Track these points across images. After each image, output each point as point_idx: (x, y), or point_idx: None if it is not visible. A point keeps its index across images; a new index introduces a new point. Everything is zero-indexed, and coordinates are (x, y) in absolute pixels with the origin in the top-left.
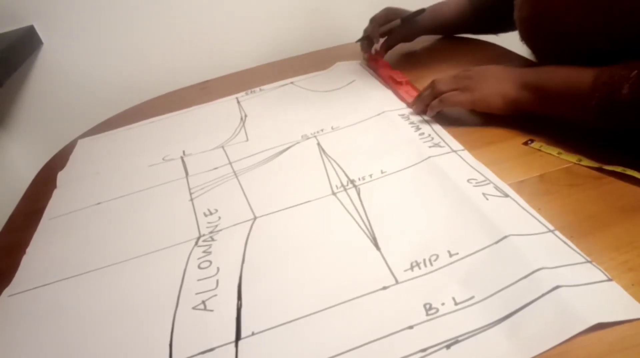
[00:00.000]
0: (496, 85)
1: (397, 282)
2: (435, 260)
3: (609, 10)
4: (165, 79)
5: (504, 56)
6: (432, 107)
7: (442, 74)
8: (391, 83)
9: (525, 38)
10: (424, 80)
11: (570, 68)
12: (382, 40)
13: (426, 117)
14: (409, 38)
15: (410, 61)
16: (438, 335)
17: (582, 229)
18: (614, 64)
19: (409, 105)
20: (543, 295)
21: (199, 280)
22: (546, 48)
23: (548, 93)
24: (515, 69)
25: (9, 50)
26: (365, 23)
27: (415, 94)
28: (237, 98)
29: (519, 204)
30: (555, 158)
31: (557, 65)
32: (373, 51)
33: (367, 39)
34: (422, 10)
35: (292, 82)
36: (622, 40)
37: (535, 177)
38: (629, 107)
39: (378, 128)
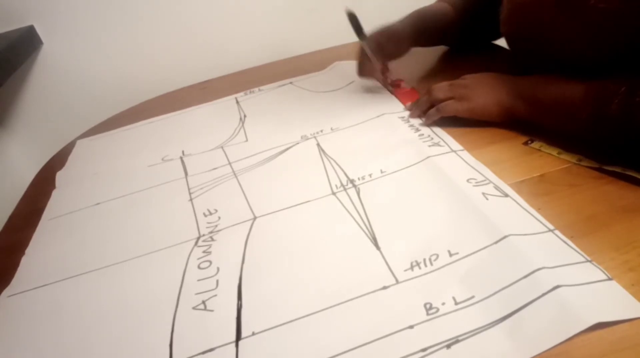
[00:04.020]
0: (491, 94)
1: (397, 282)
2: (435, 260)
3: (597, 27)
4: (165, 79)
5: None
6: (429, 116)
7: (440, 82)
8: (388, 86)
9: (512, 51)
10: (429, 82)
11: (563, 80)
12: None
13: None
14: (395, 54)
15: (416, 62)
16: (438, 334)
17: (582, 229)
18: (601, 74)
19: (406, 108)
20: (543, 295)
21: (199, 280)
22: (533, 61)
23: (541, 104)
24: (510, 78)
25: (9, 50)
26: (365, 23)
27: (412, 95)
28: (236, 98)
29: (518, 204)
30: (555, 158)
31: (551, 75)
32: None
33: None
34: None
35: (291, 83)
36: (610, 56)
37: (536, 177)
38: (617, 122)
39: (378, 129)
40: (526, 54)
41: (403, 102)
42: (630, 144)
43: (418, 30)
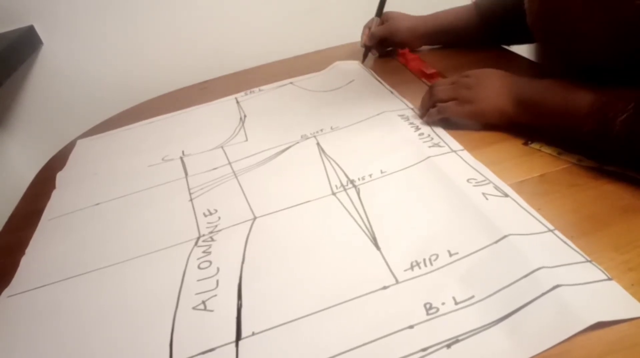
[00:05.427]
0: (494, 99)
1: (397, 282)
2: (435, 260)
3: (630, 25)
4: (165, 79)
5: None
6: (430, 114)
7: (442, 80)
8: (421, 76)
9: (533, 31)
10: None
11: (569, 88)
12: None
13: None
14: (410, 44)
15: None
16: (438, 334)
17: (582, 229)
18: (621, 79)
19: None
20: (543, 294)
21: (199, 280)
22: (553, 47)
23: (544, 114)
24: (514, 81)
25: (9, 50)
26: (364, 24)
27: (428, 74)
28: (236, 98)
29: (518, 204)
30: (555, 158)
31: (559, 82)
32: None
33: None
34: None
35: (291, 83)
36: (636, 59)
37: (536, 177)
38: (619, 140)
39: (378, 128)
40: (546, 40)
41: (422, 79)
42: (631, 162)
43: (435, 32)
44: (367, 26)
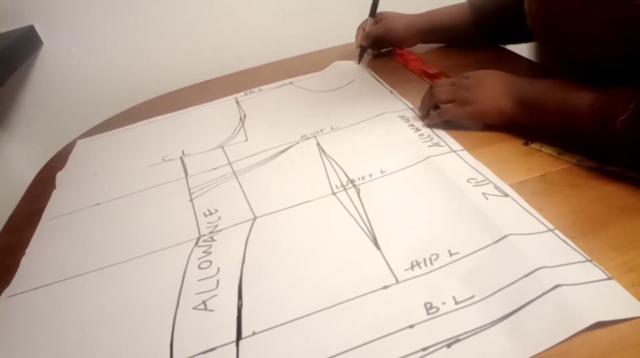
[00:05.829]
0: (494, 99)
1: (397, 281)
2: (435, 259)
3: (630, 25)
4: (165, 79)
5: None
6: (431, 117)
7: (441, 81)
8: (424, 77)
9: (533, 32)
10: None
11: (569, 88)
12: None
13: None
14: (406, 42)
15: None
16: (439, 334)
17: (582, 229)
18: (620, 80)
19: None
20: (543, 294)
21: (199, 280)
22: (553, 47)
23: (544, 114)
24: (514, 81)
25: (9, 50)
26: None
27: (431, 74)
28: (236, 98)
29: (518, 204)
30: (555, 158)
31: (557, 81)
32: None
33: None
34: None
35: (291, 83)
36: (636, 60)
37: (536, 177)
38: (619, 141)
39: (378, 129)
40: (546, 39)
41: (424, 77)
42: (632, 162)
43: (430, 30)
44: (361, 27)
